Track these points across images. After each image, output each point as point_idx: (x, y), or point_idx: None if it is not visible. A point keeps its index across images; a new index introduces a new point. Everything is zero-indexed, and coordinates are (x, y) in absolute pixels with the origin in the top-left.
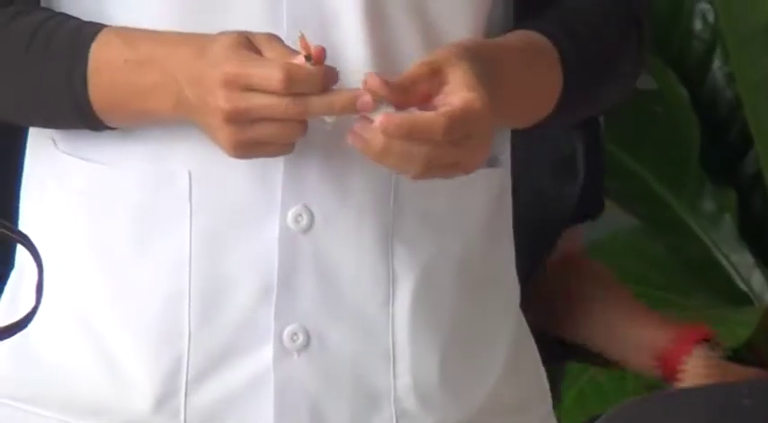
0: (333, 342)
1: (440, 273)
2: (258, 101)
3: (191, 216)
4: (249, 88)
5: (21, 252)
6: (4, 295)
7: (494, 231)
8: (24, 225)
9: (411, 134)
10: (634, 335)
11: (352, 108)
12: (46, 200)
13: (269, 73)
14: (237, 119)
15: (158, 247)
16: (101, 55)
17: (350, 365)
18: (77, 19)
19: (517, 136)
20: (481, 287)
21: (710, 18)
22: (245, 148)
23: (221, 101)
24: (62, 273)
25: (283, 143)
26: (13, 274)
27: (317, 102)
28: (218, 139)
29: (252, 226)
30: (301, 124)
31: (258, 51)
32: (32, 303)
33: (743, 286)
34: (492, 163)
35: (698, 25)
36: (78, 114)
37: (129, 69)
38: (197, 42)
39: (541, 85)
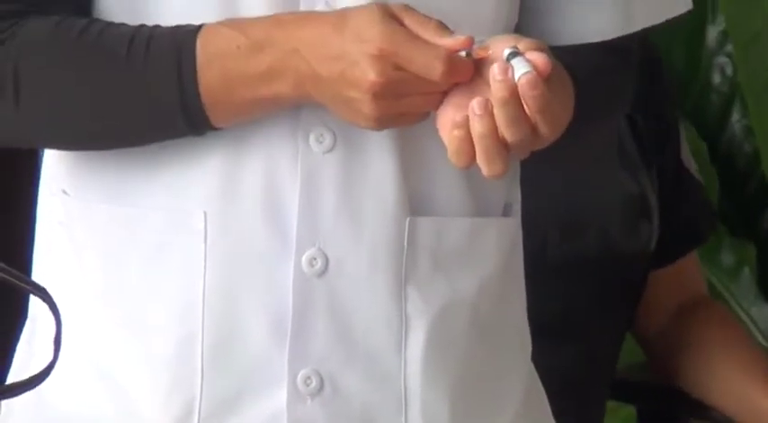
0: (346, 386)
1: (453, 318)
2: (413, 80)
3: (205, 257)
4: (404, 68)
5: (34, 301)
6: (19, 346)
7: (506, 278)
8: (38, 273)
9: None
10: (755, 397)
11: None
12: (58, 247)
13: (431, 62)
14: (387, 93)
15: (172, 289)
16: (209, 45)
17: (362, 410)
18: (167, 27)
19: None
20: (493, 333)
21: (729, 71)
22: (388, 121)
23: (372, 74)
24: (75, 318)
25: (423, 112)
26: (28, 324)
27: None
28: (360, 112)
29: (266, 269)
30: (443, 95)
31: (401, 22)
32: (49, 355)
33: (762, 340)
34: (506, 212)
35: (716, 78)
36: (185, 114)
37: (242, 55)
38: (329, 18)
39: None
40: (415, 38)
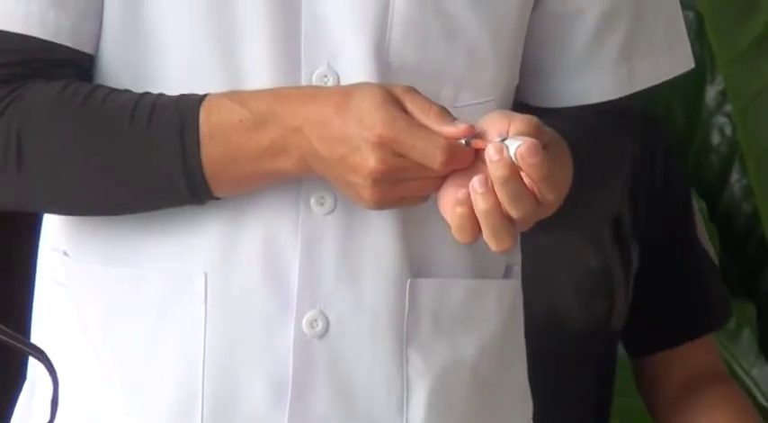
0: None
1: (454, 380)
2: (412, 167)
3: (205, 319)
4: (404, 155)
5: (33, 363)
6: (18, 406)
7: (507, 340)
8: (37, 333)
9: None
10: None
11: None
12: (58, 308)
13: (431, 151)
14: (386, 179)
15: (172, 349)
16: (212, 118)
17: None
18: (170, 95)
19: (534, 247)
20: (494, 394)
21: (728, 131)
22: (388, 204)
23: (373, 161)
24: (74, 378)
25: (423, 196)
26: (26, 386)
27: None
28: (360, 195)
29: (266, 330)
30: (443, 180)
31: (403, 106)
32: (47, 417)
33: (763, 401)
34: (507, 274)
35: (715, 138)
36: (188, 184)
37: (244, 129)
38: (332, 98)
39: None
40: (416, 125)
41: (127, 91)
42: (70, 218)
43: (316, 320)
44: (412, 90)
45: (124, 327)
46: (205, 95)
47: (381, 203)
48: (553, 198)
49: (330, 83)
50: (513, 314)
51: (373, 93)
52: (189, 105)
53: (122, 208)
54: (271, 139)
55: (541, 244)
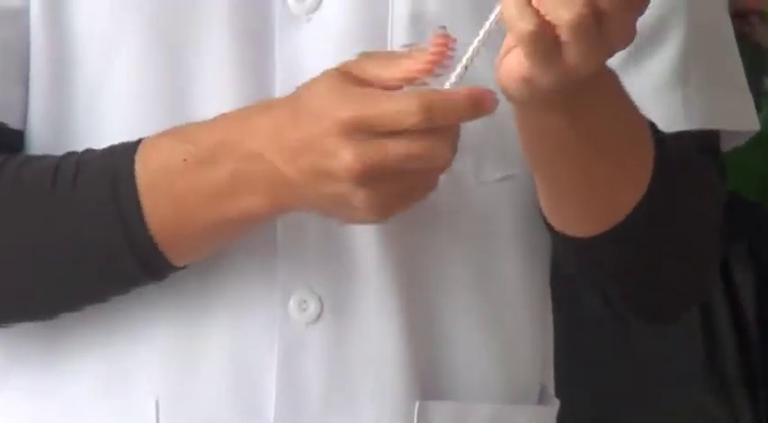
0: None
1: None
2: (396, 150)
3: None
4: (378, 133)
5: None
6: None
7: None
8: None
9: None
10: None
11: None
12: None
13: (401, 106)
14: (373, 173)
15: None
16: (150, 164)
17: None
18: (98, 149)
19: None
20: None
21: None
22: (390, 209)
23: (348, 159)
24: None
25: (429, 186)
26: None
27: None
28: (352, 206)
29: None
30: (447, 157)
31: (360, 79)
32: None
33: None
34: (542, 398)
35: None
36: (135, 255)
37: (192, 169)
38: (285, 103)
39: (628, 145)
40: (375, 92)
41: (47, 156)
42: None
43: None
44: (368, 53)
45: None
46: (140, 140)
47: (383, 209)
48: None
49: None
50: None
51: (321, 79)
52: (120, 156)
53: (59, 305)
54: (227, 174)
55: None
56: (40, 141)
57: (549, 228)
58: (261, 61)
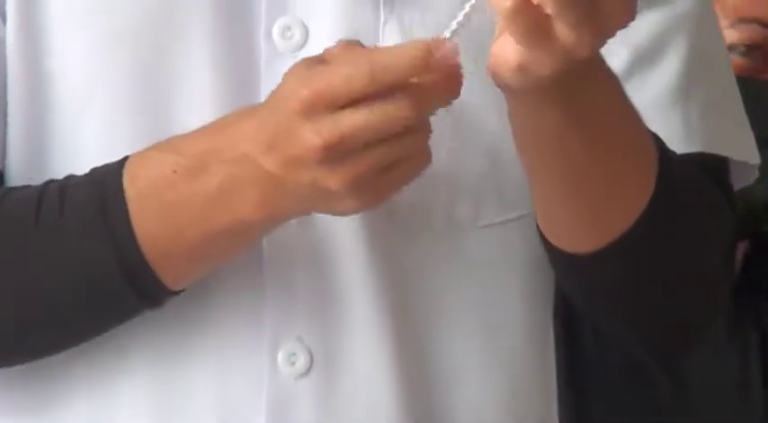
0: None
1: None
2: (353, 119)
3: None
4: (337, 106)
5: None
6: None
7: None
8: None
9: None
10: None
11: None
12: None
13: (347, 71)
14: (340, 153)
15: None
16: (139, 179)
17: None
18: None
19: None
20: None
21: None
22: (373, 190)
23: (308, 138)
24: None
25: (418, 160)
26: None
27: (425, 88)
28: (329, 192)
29: None
30: (424, 125)
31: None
32: None
33: None
34: None
35: None
36: (127, 277)
37: (182, 180)
38: (260, 107)
39: (630, 149)
40: (331, 65)
41: (27, 186)
42: None
43: None
44: (342, 42)
45: None
46: (126, 158)
47: (365, 191)
48: None
49: None
50: None
51: (289, 69)
52: (106, 174)
53: (52, 342)
54: (217, 182)
55: None
56: (16, 180)
57: (547, 245)
58: (246, 99)
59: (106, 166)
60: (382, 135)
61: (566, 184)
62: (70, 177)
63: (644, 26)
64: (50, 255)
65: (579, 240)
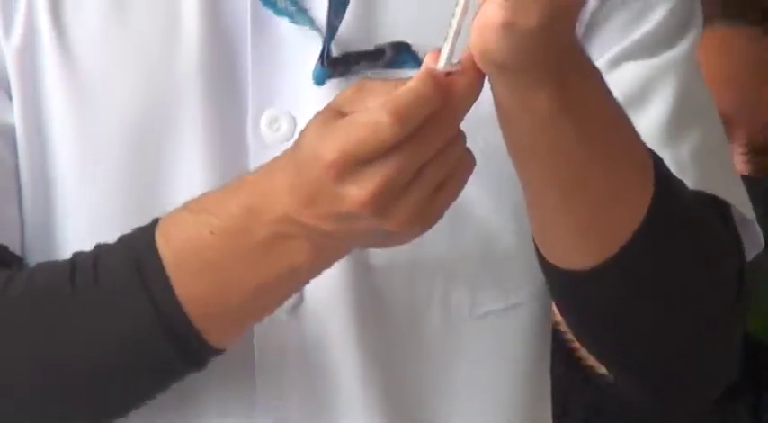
0: None
1: None
2: (391, 166)
3: None
4: (368, 161)
5: None
6: None
7: None
8: None
9: None
10: None
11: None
12: None
13: (373, 124)
14: (390, 199)
15: None
16: (173, 240)
17: None
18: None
19: None
20: None
21: None
22: (428, 214)
23: (355, 197)
24: None
25: (461, 168)
26: None
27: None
28: (392, 234)
29: None
30: (457, 145)
31: (342, 111)
32: None
33: None
34: None
35: None
36: (172, 338)
37: (221, 241)
38: (286, 164)
39: (623, 155)
40: (348, 120)
41: (55, 261)
42: None
43: None
44: (356, 85)
45: None
46: (156, 220)
47: (421, 218)
48: None
49: None
50: None
51: (310, 123)
52: (139, 238)
53: (95, 415)
54: (262, 238)
55: None
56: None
57: (543, 262)
58: None
59: (137, 231)
60: (421, 164)
61: (563, 185)
62: (100, 246)
63: (629, 76)
64: (90, 323)
65: (576, 253)
